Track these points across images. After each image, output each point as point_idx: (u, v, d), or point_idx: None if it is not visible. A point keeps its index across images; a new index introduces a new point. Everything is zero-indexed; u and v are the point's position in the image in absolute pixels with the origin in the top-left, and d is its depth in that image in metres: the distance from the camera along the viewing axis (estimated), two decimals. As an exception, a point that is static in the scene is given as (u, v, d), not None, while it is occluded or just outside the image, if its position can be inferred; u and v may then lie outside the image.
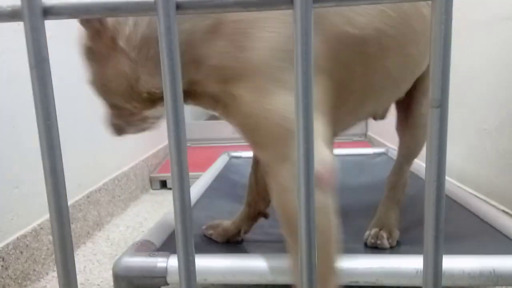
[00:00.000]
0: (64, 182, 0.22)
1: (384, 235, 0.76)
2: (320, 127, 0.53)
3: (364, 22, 0.56)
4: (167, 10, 0.21)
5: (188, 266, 0.22)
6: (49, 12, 0.22)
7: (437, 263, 0.22)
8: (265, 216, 0.85)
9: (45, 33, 0.22)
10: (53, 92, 0.21)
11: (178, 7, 0.22)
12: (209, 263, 0.65)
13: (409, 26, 0.60)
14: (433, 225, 0.23)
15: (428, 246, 0.23)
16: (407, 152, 0.84)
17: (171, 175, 0.22)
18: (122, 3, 0.21)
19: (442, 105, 0.20)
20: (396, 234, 0.78)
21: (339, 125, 0.66)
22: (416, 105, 0.79)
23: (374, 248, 0.76)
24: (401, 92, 0.72)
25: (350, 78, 0.58)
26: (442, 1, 0.20)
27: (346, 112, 0.64)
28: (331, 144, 0.59)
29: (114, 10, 0.22)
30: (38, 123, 0.21)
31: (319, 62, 0.54)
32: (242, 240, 0.82)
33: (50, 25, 1.06)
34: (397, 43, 0.59)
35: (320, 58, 0.54)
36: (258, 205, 0.82)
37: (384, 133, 2.01)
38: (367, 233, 0.78)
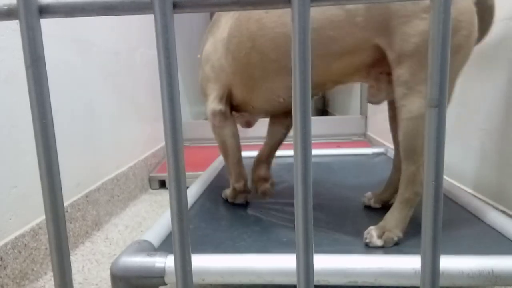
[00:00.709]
0: (60, 180, 0.22)
1: (374, 233, 0.76)
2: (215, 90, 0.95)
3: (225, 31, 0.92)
4: (163, 9, 0.21)
5: (184, 266, 0.22)
6: (45, 11, 0.22)
7: (435, 262, 0.22)
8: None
9: (41, 31, 0.21)
10: (48, 91, 0.21)
11: (175, 6, 0.22)
12: (207, 263, 0.65)
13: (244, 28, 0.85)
14: (431, 225, 0.23)
15: (426, 246, 0.23)
16: None
17: (167, 175, 0.22)
18: (118, 2, 0.21)
19: (440, 104, 0.20)
20: (392, 233, 0.76)
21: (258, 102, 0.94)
22: None
23: (368, 246, 0.76)
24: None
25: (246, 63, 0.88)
26: (441, 1, 0.20)
27: (259, 91, 0.91)
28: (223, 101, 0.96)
29: (110, 9, 0.21)
30: (33, 122, 0.21)
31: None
32: (242, 240, 0.82)
33: (47, 23, 1.06)
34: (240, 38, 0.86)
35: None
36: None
37: (384, 133, 2.01)
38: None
